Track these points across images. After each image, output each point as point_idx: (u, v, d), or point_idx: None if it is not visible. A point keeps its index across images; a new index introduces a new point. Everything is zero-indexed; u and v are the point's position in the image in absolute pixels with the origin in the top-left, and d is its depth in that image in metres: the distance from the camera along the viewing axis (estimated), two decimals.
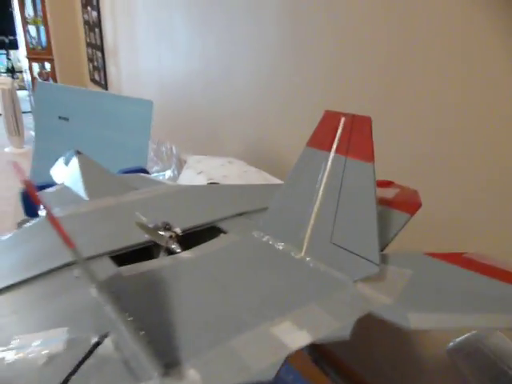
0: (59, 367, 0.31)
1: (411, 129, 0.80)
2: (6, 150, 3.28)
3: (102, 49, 2.86)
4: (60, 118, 1.24)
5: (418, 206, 0.58)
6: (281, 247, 0.48)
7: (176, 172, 1.91)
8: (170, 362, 0.31)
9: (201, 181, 1.25)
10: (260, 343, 0.33)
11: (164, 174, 1.87)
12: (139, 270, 0.45)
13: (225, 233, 0.55)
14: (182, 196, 0.66)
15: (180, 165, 1.93)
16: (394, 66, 0.82)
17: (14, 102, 2.95)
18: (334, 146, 0.44)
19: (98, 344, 0.34)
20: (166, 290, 0.41)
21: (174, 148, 2.05)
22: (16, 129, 2.89)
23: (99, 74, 3.01)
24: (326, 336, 0.34)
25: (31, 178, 1.22)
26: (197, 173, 1.37)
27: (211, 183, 1.14)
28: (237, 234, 0.53)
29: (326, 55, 1.02)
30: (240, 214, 0.59)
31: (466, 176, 0.72)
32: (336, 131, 0.44)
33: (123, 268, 0.45)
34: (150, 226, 0.53)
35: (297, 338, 0.33)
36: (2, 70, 4.88)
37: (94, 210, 0.61)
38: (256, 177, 1.21)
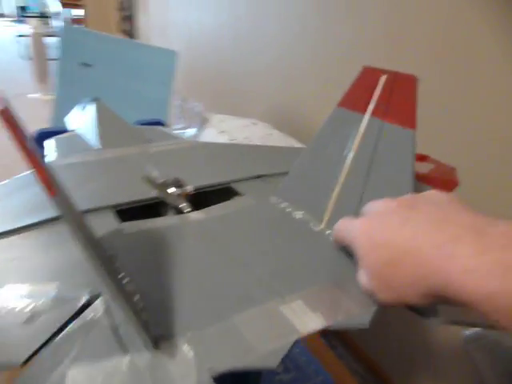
0: (42, 326, 0.28)
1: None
2: (34, 95, 3.29)
3: None
4: (83, 64, 1.19)
5: (455, 184, 0.53)
6: (299, 216, 0.44)
7: (199, 131, 1.86)
8: (162, 335, 0.28)
9: (222, 140, 1.21)
10: (266, 323, 0.29)
11: (186, 132, 1.83)
12: (141, 228, 0.41)
13: (240, 195, 0.50)
14: (197, 152, 0.62)
15: (204, 123, 1.88)
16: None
17: (43, 47, 2.92)
18: (370, 108, 0.38)
19: (87, 305, 0.31)
20: (169, 252, 0.38)
21: (199, 105, 2.00)
22: (43, 75, 2.88)
23: (129, 24, 2.93)
24: (341, 322, 0.30)
25: (53, 125, 1.20)
26: (219, 132, 1.33)
27: None
28: (252, 198, 0.49)
29: (357, 12, 0.93)
30: (258, 177, 0.54)
31: None
32: (373, 91, 0.38)
33: (125, 224, 0.42)
34: (161, 181, 0.49)
35: (308, 321, 0.29)
36: (36, 15, 4.83)
37: (104, 160, 0.57)
38: (280, 141, 1.16)
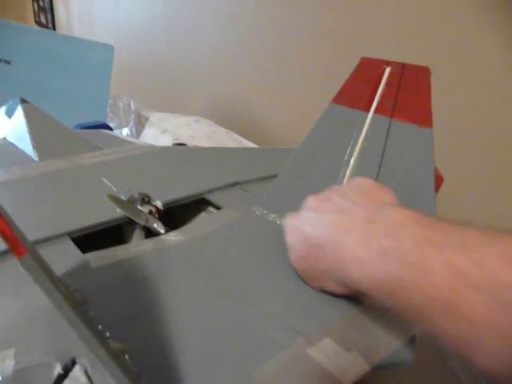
0: None
1: None
2: None
3: None
4: (0, 60, 1.05)
5: (440, 180, 0.51)
6: None
7: (134, 130, 1.74)
8: None
9: (166, 140, 1.14)
10: (297, 373, 0.24)
11: (121, 132, 1.71)
12: (113, 259, 0.34)
13: (218, 208, 0.44)
14: (158, 159, 0.54)
15: (139, 122, 1.76)
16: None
17: None
18: (374, 105, 0.34)
19: (63, 376, 0.23)
20: (151, 289, 0.30)
21: (132, 103, 1.87)
22: None
23: (46, 16, 2.68)
24: (383, 362, 0.25)
25: None
26: (161, 131, 1.25)
27: (177, 144, 1.04)
28: (234, 210, 0.43)
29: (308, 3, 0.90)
30: (233, 185, 0.48)
31: None
32: (377, 85, 0.34)
33: (89, 255, 0.34)
34: (124, 197, 0.41)
35: (346, 365, 0.24)
36: None
37: (47, 174, 0.48)
38: (226, 138, 1.11)
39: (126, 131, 1.70)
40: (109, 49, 1.02)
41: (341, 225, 0.28)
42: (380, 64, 0.34)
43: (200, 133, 1.18)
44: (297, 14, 0.94)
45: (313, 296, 0.31)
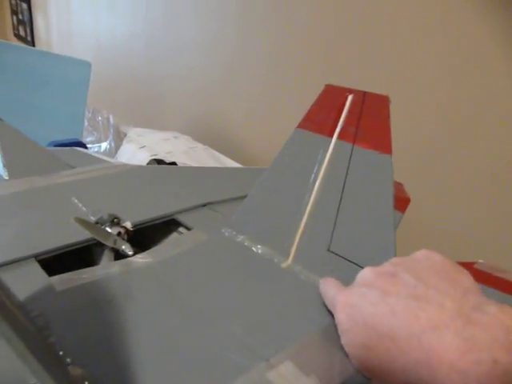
0: None
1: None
2: None
3: (28, 0, 2.53)
4: None
5: (407, 201, 0.52)
6: (260, 251, 0.39)
7: (113, 144, 1.74)
8: None
9: (143, 156, 1.13)
10: None
11: (100, 146, 1.70)
12: (78, 282, 0.34)
13: (188, 229, 0.44)
14: (131, 179, 0.55)
15: (118, 137, 1.76)
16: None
17: None
18: (338, 130, 0.35)
19: None
20: (116, 312, 0.31)
21: (111, 117, 1.86)
22: None
23: (25, 29, 2.66)
24: (343, 382, 0.25)
25: None
26: (139, 147, 1.25)
27: (155, 160, 1.04)
28: (203, 232, 0.43)
29: (286, 16, 0.92)
30: (204, 205, 0.49)
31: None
32: (340, 111, 0.35)
33: (55, 278, 0.34)
34: (93, 218, 0.41)
35: None
36: None
37: (16, 194, 0.47)
38: (204, 154, 1.12)
39: (104, 145, 1.69)
40: (86, 65, 1.02)
41: (423, 316, 0.23)
42: (343, 92, 0.35)
43: (178, 149, 1.18)
44: (279, 35, 0.96)
45: (275, 319, 0.31)
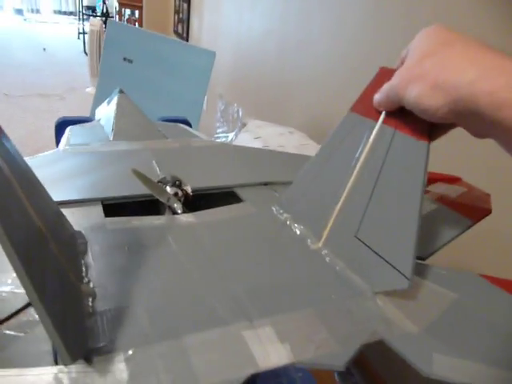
0: None
1: None
2: (87, 90, 3.42)
3: (188, 1, 2.82)
4: (125, 59, 1.21)
5: (487, 212, 0.46)
6: (298, 231, 0.39)
7: (239, 135, 1.84)
8: (100, 347, 0.24)
9: (256, 146, 1.18)
10: (222, 349, 0.25)
11: (227, 136, 1.82)
12: (125, 226, 0.38)
13: (242, 201, 0.46)
14: (208, 153, 0.59)
15: (242, 128, 1.86)
16: None
17: (100, 44, 3.03)
18: (383, 115, 0.34)
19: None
20: (146, 255, 0.34)
21: (240, 111, 1.98)
22: (97, 70, 2.99)
23: (182, 26, 2.98)
24: (311, 359, 0.25)
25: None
26: (254, 137, 1.31)
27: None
28: (253, 206, 0.45)
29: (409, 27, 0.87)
30: (266, 184, 0.50)
31: None
32: None
33: (109, 219, 0.39)
34: (158, 178, 0.46)
35: (272, 353, 0.25)
36: (98, 14, 5.05)
37: (111, 152, 0.55)
38: (314, 152, 1.12)
39: (231, 136, 1.81)
40: (211, 54, 1.11)
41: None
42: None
43: (290, 143, 1.20)
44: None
45: (281, 291, 0.31)
